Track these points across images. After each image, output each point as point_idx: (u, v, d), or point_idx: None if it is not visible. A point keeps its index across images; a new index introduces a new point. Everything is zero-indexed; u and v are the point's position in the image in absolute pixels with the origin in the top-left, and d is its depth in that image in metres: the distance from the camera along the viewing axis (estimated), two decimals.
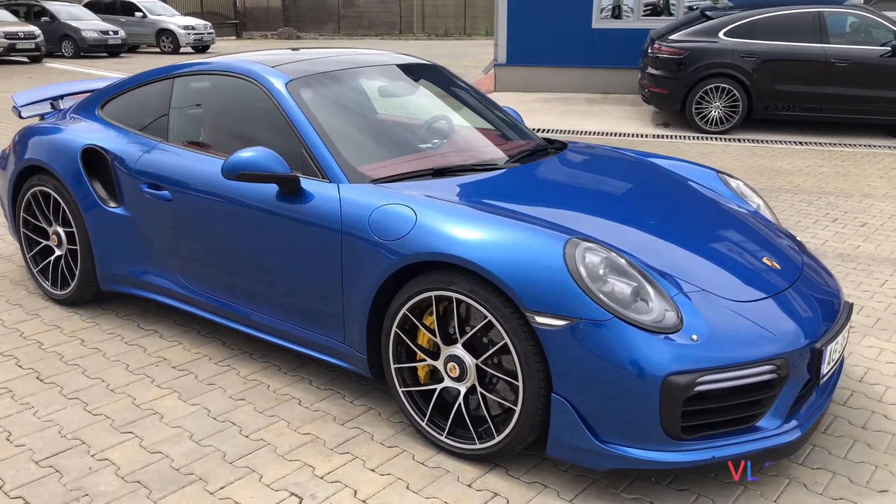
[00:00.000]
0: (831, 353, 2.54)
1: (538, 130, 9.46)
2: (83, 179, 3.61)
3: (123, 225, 3.57)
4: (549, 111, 10.93)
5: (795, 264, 2.86)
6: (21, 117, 4.32)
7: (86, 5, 23.16)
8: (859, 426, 2.89)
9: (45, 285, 3.97)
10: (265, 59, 3.47)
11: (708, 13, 9.55)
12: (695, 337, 2.31)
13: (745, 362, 2.32)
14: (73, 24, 20.51)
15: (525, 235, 2.45)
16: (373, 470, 2.60)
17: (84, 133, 3.75)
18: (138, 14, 22.95)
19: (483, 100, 3.93)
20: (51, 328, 3.69)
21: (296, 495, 2.47)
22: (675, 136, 9.19)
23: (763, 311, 2.50)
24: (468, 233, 2.50)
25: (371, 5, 33.21)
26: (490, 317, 2.43)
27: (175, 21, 22.91)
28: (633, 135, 9.32)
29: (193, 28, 22.91)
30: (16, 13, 21.00)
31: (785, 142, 8.87)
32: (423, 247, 2.55)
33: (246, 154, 2.86)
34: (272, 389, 3.14)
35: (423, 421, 2.71)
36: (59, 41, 20.50)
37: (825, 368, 2.52)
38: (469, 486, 2.52)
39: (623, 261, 2.44)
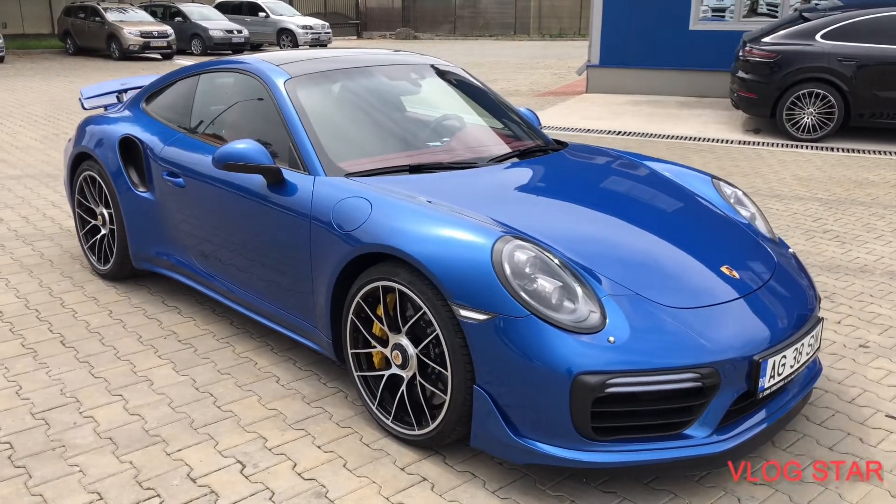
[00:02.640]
0: (776, 366, 2.46)
1: (619, 133, 9.32)
2: (120, 166, 3.98)
3: (150, 208, 3.90)
4: (636, 114, 10.72)
5: (760, 276, 2.76)
6: (84, 108, 4.77)
7: (216, 6, 24.70)
8: (826, 447, 2.76)
9: (92, 260, 4.39)
10: (276, 57, 3.69)
11: (806, 14, 9.07)
12: (612, 339, 2.31)
13: (665, 368, 2.30)
14: (203, 23, 21.97)
15: (460, 231, 2.53)
16: (319, 447, 2.75)
17: (125, 124, 4.12)
18: (262, 14, 24.26)
19: (492, 100, 3.99)
20: (88, 299, 4.08)
21: (240, 462, 2.66)
22: (762, 143, 8.80)
23: (699, 318, 2.45)
24: (411, 227, 2.61)
25: (488, 6, 33.46)
26: (425, 308, 2.53)
27: (295, 21, 24.06)
28: (716, 140, 9.01)
29: (311, 28, 23.97)
30: (154, 14, 22.75)
31: (881, 152, 8.32)
32: (371, 238, 2.68)
33: (234, 146, 3.08)
34: (258, 367, 3.35)
35: (373, 404, 2.84)
36: (189, 39, 22.01)
37: (765, 382, 2.44)
38: (402, 469, 2.62)
39: (555, 261, 2.47)
